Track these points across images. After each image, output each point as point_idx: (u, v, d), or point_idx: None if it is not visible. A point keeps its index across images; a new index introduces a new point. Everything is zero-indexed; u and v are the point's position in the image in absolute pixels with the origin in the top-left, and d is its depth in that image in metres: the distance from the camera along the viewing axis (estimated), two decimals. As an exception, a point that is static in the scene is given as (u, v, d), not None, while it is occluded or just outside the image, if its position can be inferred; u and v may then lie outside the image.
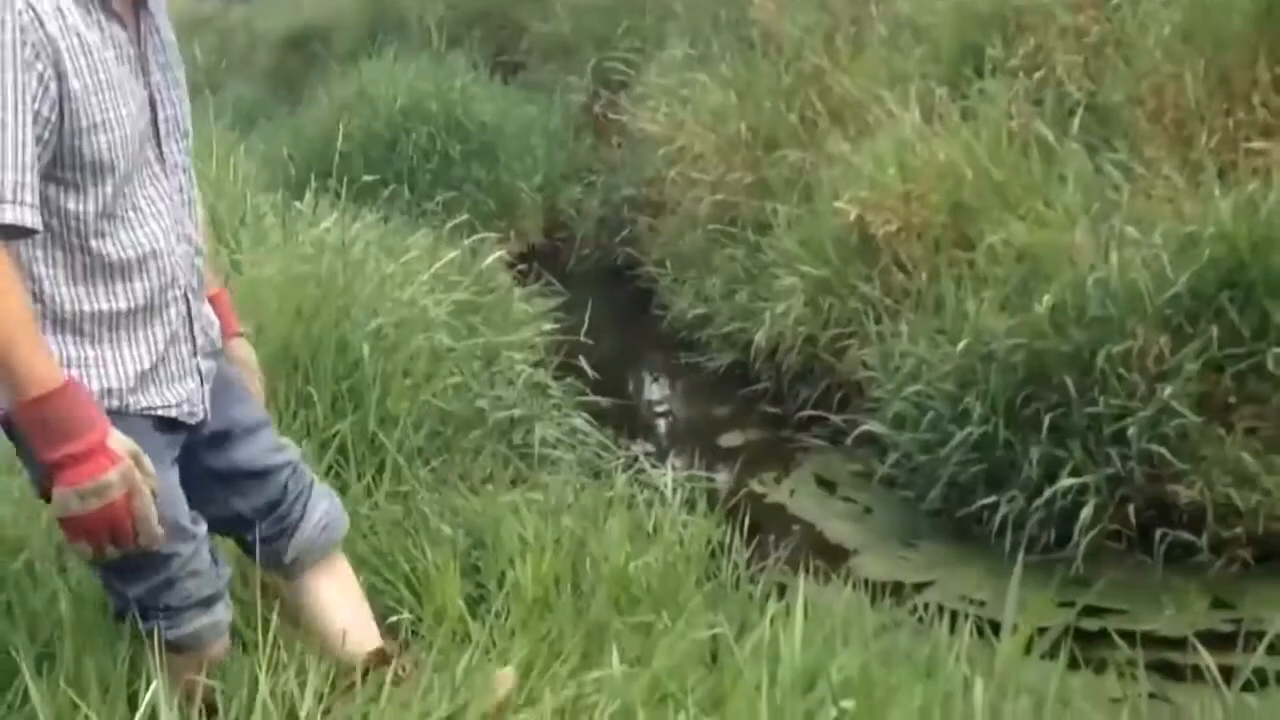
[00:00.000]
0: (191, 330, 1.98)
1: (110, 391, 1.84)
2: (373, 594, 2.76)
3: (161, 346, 1.91)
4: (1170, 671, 3.25)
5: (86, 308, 1.83)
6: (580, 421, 4.29)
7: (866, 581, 3.98)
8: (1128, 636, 3.34)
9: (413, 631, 2.67)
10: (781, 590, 3.12)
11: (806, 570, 3.76)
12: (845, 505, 4.66)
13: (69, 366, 1.79)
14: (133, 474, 1.70)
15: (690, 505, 3.57)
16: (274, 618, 2.01)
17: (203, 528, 2.00)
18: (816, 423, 5.07)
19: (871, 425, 4.66)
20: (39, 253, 1.79)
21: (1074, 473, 3.94)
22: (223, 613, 2.02)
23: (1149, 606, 3.67)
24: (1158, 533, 3.85)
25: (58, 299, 1.81)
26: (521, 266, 5.98)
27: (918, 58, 6.12)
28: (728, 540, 3.34)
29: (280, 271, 3.73)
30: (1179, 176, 4.60)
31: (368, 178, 5.56)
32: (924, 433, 4.38)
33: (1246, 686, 2.45)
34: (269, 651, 1.89)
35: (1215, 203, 4.13)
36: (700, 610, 2.82)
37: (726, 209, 6.31)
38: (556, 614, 2.71)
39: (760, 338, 5.38)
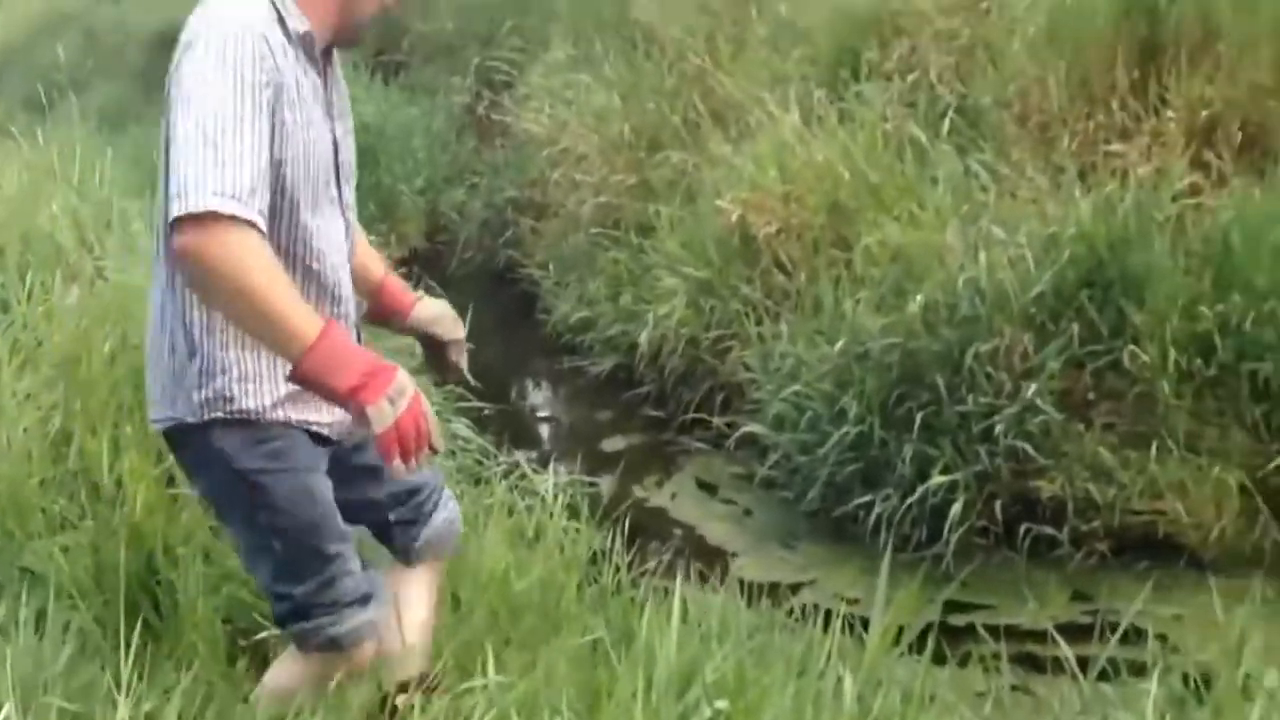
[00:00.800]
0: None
1: (277, 404, 1.99)
2: (241, 607, 2.71)
3: None
4: (1032, 663, 3.33)
5: None
6: (460, 427, 4.24)
7: (746, 583, 4.02)
8: (993, 630, 3.44)
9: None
10: (665, 594, 3.13)
11: (687, 573, 3.80)
12: (726, 508, 4.68)
13: (244, 380, 1.97)
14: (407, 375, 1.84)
15: (572, 511, 3.55)
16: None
17: (349, 530, 2.13)
18: (699, 425, 5.09)
19: (752, 427, 4.70)
20: None
21: (945, 470, 4.01)
22: (375, 612, 2.12)
23: (1013, 600, 3.74)
24: (1022, 528, 3.94)
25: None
26: (402, 270, 5.89)
27: (797, 59, 6.19)
28: (609, 545, 3.33)
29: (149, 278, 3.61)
30: (1043, 178, 4.72)
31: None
32: (802, 433, 4.43)
33: (1102, 676, 2.53)
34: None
35: (1076, 204, 4.25)
36: (581, 617, 2.81)
37: (610, 211, 6.30)
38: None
39: (643, 340, 5.38)
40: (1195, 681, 2.45)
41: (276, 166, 1.87)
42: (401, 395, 1.79)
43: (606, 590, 3.13)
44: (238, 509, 2.05)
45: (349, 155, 2.13)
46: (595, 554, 3.29)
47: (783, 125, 5.50)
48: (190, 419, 1.97)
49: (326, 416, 2.07)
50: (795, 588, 4.02)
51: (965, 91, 5.35)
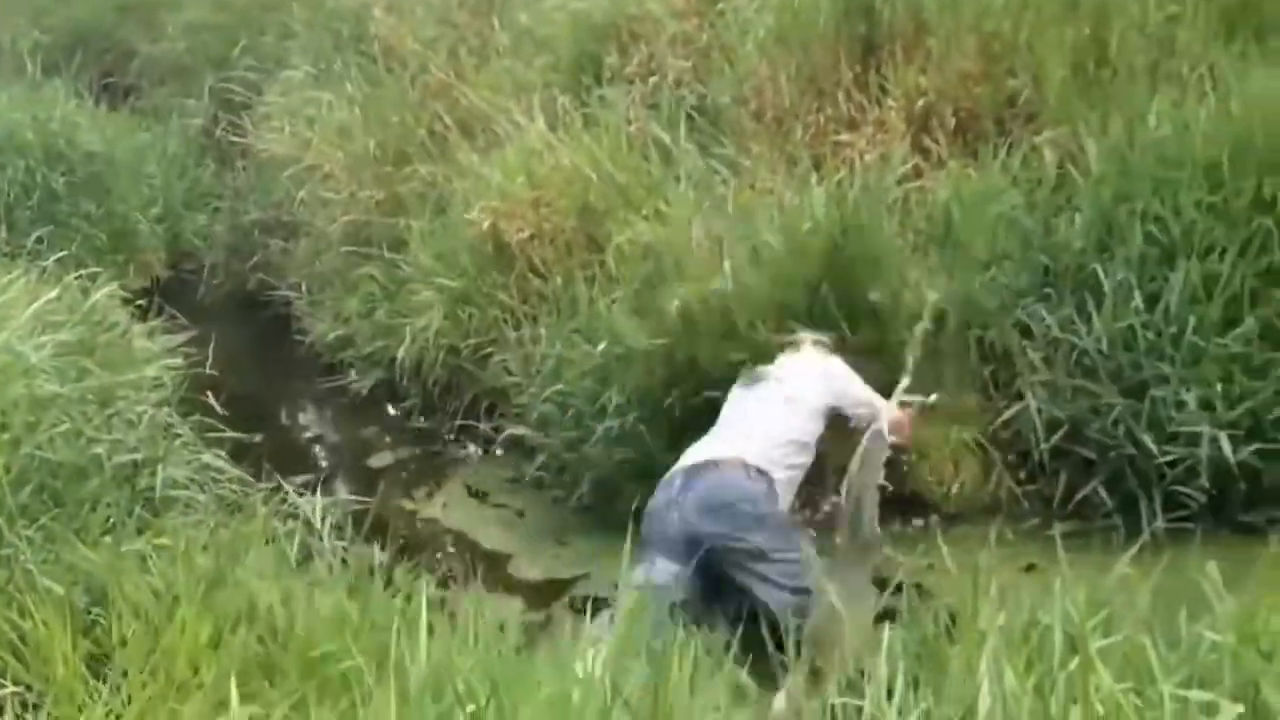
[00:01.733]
0: None
1: None
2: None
3: None
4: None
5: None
6: (212, 458, 4.07)
7: (519, 582, 4.04)
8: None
9: (23, 704, 2.46)
10: (440, 604, 3.10)
11: (463, 579, 3.78)
12: (497, 512, 4.69)
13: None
14: None
15: (340, 530, 3.47)
16: None
17: None
18: (466, 434, 5.08)
19: (518, 430, 4.71)
20: None
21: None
22: None
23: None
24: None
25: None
26: (143, 302, 5.62)
27: (540, 67, 6.23)
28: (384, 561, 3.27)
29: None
30: (780, 170, 4.91)
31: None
32: (567, 432, 4.46)
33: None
34: None
35: (810, 191, 4.40)
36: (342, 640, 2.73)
37: (360, 228, 6.20)
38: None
39: (403, 354, 5.31)
40: (946, 624, 2.58)
41: None
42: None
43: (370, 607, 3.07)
44: None
45: None
46: (370, 569, 3.22)
47: (529, 133, 5.52)
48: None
49: None
50: (572, 581, 4.05)
51: (704, 91, 5.49)
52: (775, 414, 3.71)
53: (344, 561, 3.35)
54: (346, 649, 2.60)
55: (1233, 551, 3.22)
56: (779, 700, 3.11)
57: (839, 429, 3.82)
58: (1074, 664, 2.06)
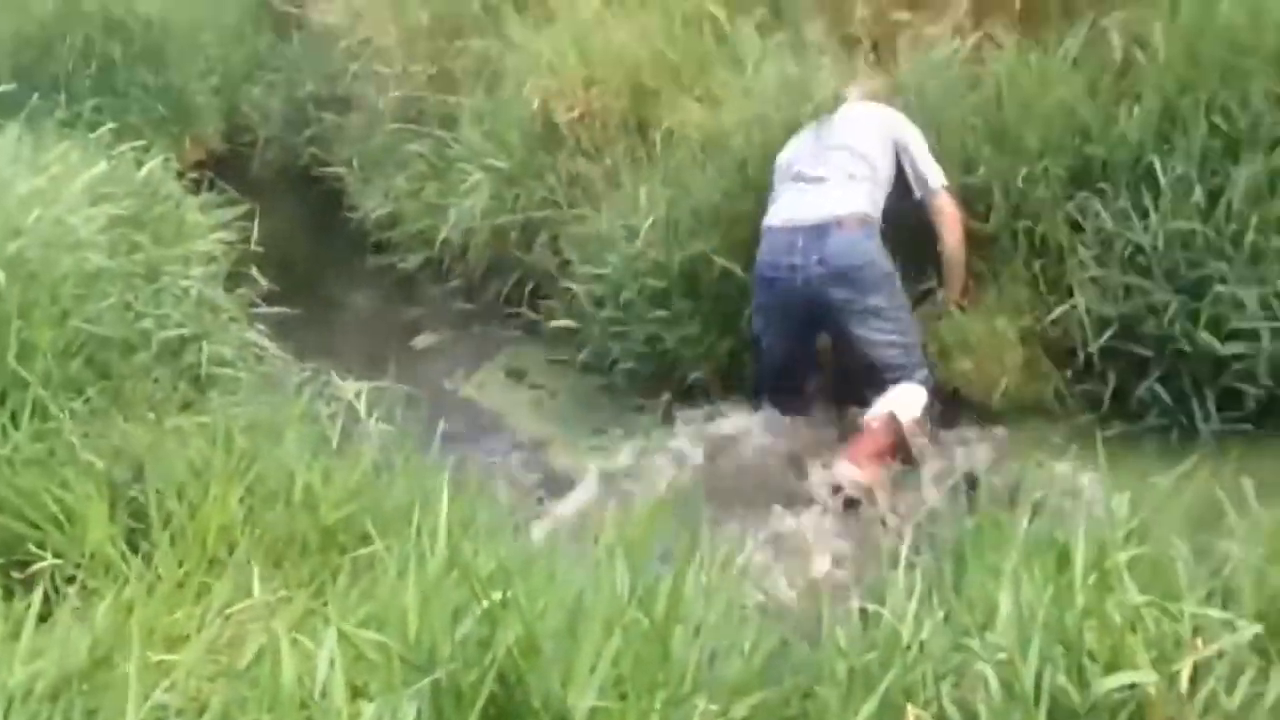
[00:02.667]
0: None
1: None
2: (14, 539, 2.61)
3: None
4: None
5: None
6: (256, 335, 4.11)
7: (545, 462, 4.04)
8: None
9: (62, 576, 2.52)
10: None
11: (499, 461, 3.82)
12: (533, 393, 4.71)
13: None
14: None
15: (383, 413, 3.50)
16: None
17: None
18: (510, 315, 5.07)
19: (558, 313, 4.70)
20: None
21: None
22: None
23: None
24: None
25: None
26: (197, 175, 5.63)
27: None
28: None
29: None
30: (840, 52, 4.76)
31: (4, 88, 5.04)
32: (613, 312, 4.44)
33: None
34: None
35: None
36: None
37: (411, 103, 6.14)
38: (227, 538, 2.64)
39: (448, 233, 5.29)
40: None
41: None
42: None
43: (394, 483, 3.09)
44: None
45: None
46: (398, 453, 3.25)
47: (582, 7, 5.40)
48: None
49: None
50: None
51: (765, -32, 5.30)
52: (867, 151, 3.93)
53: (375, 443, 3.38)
54: (363, 519, 2.67)
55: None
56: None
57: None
58: (1095, 576, 2.03)
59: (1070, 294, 3.78)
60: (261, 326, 4.19)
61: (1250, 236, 3.55)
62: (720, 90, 4.77)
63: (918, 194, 3.95)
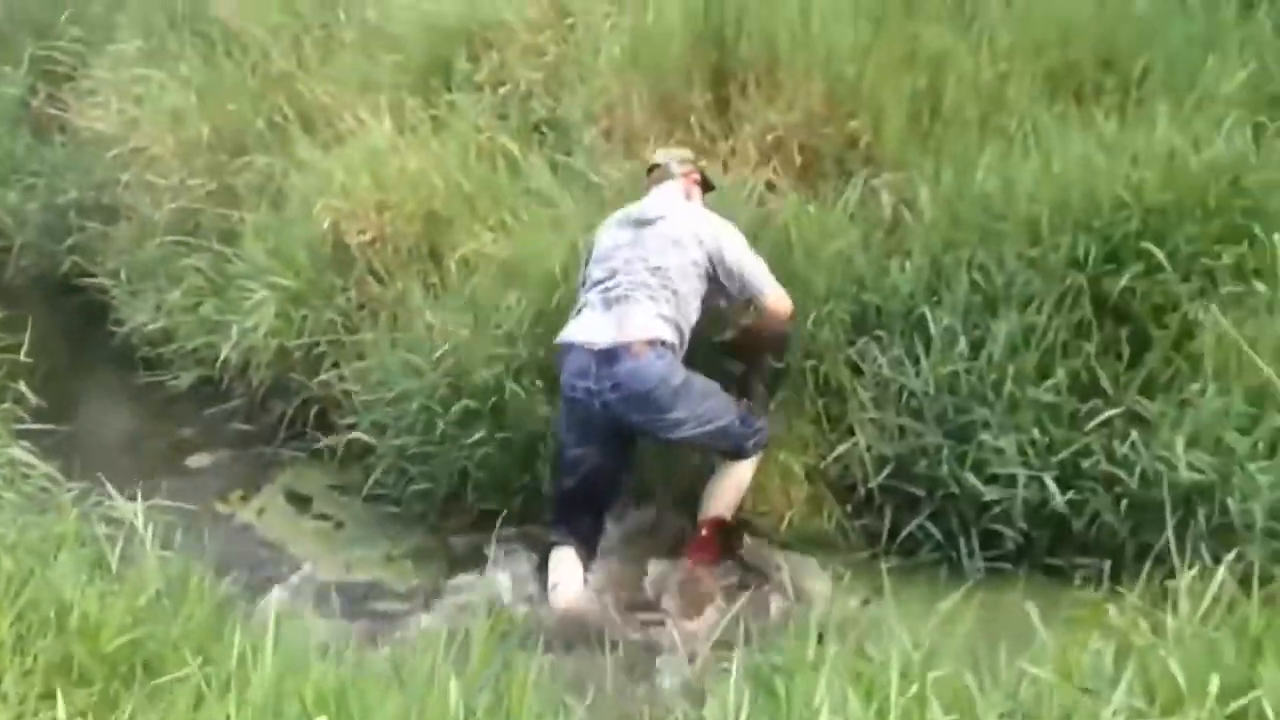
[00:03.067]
0: None
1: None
2: None
3: None
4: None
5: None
6: (20, 452, 3.85)
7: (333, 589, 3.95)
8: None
9: None
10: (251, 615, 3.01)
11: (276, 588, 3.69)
12: (316, 521, 4.61)
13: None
14: None
15: (156, 536, 3.32)
16: None
17: None
18: (293, 438, 4.94)
19: (346, 436, 4.62)
20: None
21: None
22: None
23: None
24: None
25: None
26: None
27: (388, 66, 6.13)
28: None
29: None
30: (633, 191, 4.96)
31: None
32: (397, 440, 4.41)
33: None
34: None
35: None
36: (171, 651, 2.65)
37: (188, 216, 5.97)
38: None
39: (229, 352, 5.13)
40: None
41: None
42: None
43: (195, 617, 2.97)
44: None
45: None
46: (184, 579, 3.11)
47: (375, 132, 5.43)
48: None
49: None
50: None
51: (555, 105, 5.50)
52: (673, 271, 4.00)
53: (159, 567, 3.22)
54: (148, 646, 2.54)
55: (1042, 591, 3.45)
56: None
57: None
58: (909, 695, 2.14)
59: (852, 433, 4.01)
60: (25, 443, 3.92)
61: (1009, 387, 3.87)
62: (515, 221, 4.89)
63: (743, 298, 4.09)
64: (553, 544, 3.97)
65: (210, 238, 5.73)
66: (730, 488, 4.01)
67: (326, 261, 5.12)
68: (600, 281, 4.05)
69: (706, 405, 3.93)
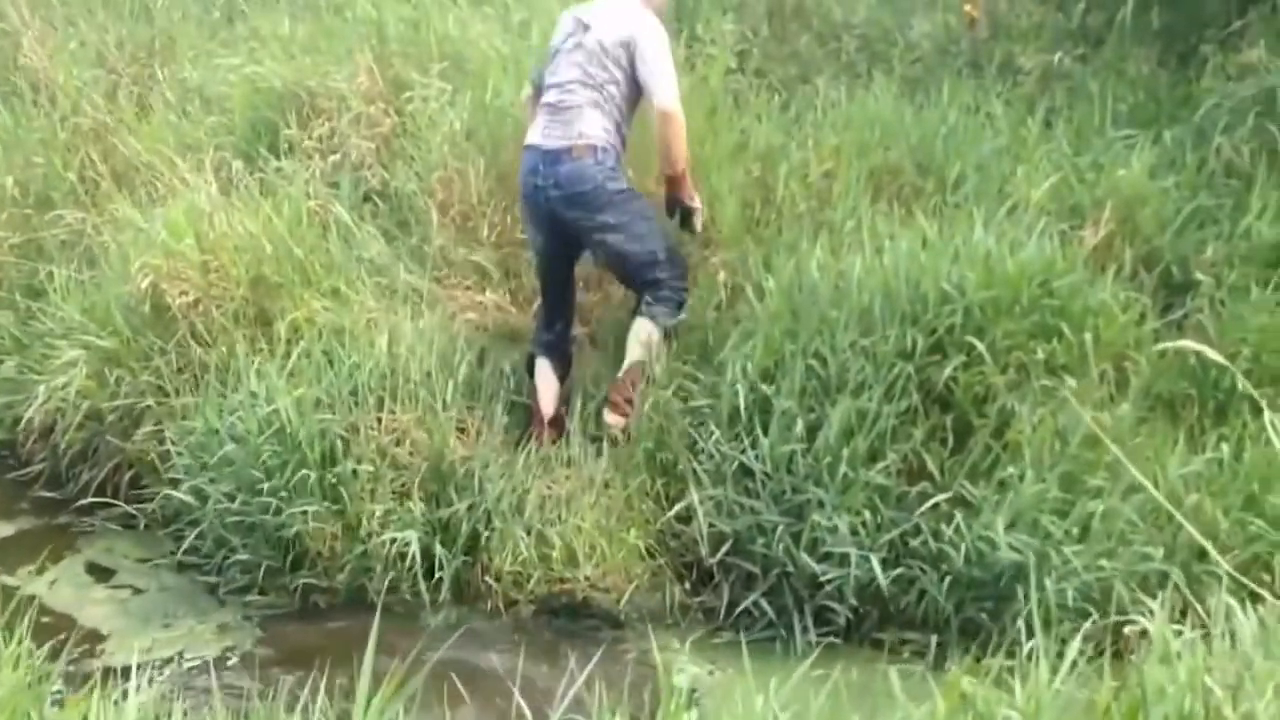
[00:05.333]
0: None
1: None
2: None
3: None
4: None
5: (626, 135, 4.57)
6: None
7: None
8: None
9: None
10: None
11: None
12: (112, 591, 4.41)
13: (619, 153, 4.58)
14: None
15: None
16: None
17: None
18: (103, 507, 4.67)
19: (165, 503, 4.42)
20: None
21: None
22: None
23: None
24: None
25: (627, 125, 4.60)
26: None
27: (211, 127, 5.99)
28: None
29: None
30: (467, 266, 4.98)
31: None
32: (215, 508, 4.26)
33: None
34: None
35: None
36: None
37: (-11, 270, 5.63)
38: None
39: (33, 414, 4.84)
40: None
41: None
42: (697, 203, 4.63)
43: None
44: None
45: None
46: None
47: (199, 192, 5.27)
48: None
49: None
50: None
51: (389, 176, 5.48)
52: (609, 75, 4.48)
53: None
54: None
55: (870, 665, 3.58)
56: None
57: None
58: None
59: (691, 511, 4.08)
60: None
61: (842, 468, 4.02)
62: (348, 289, 4.82)
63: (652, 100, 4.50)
64: (532, 355, 4.64)
65: (14, 293, 5.41)
66: (639, 348, 4.38)
67: (145, 322, 4.90)
68: (550, 90, 4.54)
69: (639, 224, 4.43)
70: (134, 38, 7.18)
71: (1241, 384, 3.72)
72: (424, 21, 6.12)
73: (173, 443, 4.52)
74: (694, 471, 4.15)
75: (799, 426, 4.10)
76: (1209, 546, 2.98)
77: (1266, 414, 3.46)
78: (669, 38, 4.57)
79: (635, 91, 4.52)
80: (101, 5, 7.28)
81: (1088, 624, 3.49)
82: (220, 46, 6.85)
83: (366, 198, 5.52)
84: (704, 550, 4.05)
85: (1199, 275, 4.51)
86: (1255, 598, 2.45)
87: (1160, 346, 3.67)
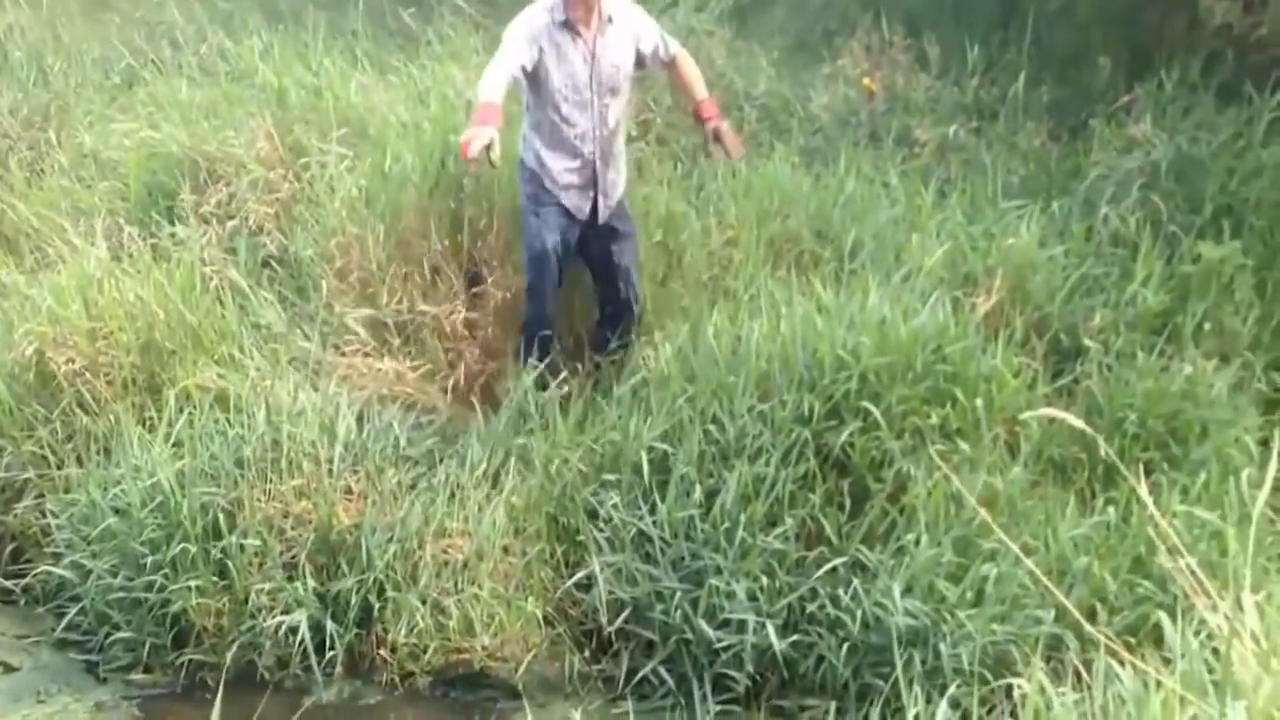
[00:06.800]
0: (594, 179, 4.75)
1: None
2: None
3: (574, 175, 4.73)
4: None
5: (543, 134, 4.71)
6: None
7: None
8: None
9: None
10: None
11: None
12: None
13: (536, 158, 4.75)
14: (493, 136, 4.28)
15: None
16: None
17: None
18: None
19: (43, 579, 4.28)
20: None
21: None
22: None
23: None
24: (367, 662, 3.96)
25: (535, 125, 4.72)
26: None
27: (104, 192, 5.89)
28: None
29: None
30: (365, 333, 4.91)
31: None
32: (99, 584, 4.11)
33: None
34: None
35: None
36: None
37: None
38: None
39: (-94, 489, 4.64)
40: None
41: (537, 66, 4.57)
42: (480, 133, 4.28)
43: None
44: None
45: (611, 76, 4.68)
46: None
47: (88, 258, 5.16)
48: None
49: (568, 199, 4.78)
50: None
51: (287, 242, 5.41)
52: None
53: None
54: None
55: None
56: None
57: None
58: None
59: (589, 577, 4.03)
60: None
61: (740, 534, 4.01)
62: (242, 356, 4.73)
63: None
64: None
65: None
66: None
67: (29, 390, 4.75)
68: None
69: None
70: (29, 102, 7.08)
71: (1105, 452, 3.78)
72: (326, 88, 6.10)
73: (54, 515, 4.36)
74: (593, 538, 4.11)
75: (697, 492, 4.09)
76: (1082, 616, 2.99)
77: (1140, 484, 3.52)
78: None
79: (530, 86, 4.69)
80: (-4, 71, 7.17)
81: (985, 689, 3.50)
82: (118, 112, 6.77)
83: (264, 263, 5.45)
84: (603, 618, 4.00)
85: (1087, 341, 4.60)
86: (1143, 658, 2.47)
87: (1028, 415, 3.73)
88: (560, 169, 4.69)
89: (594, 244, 4.82)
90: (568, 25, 4.59)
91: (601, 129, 4.69)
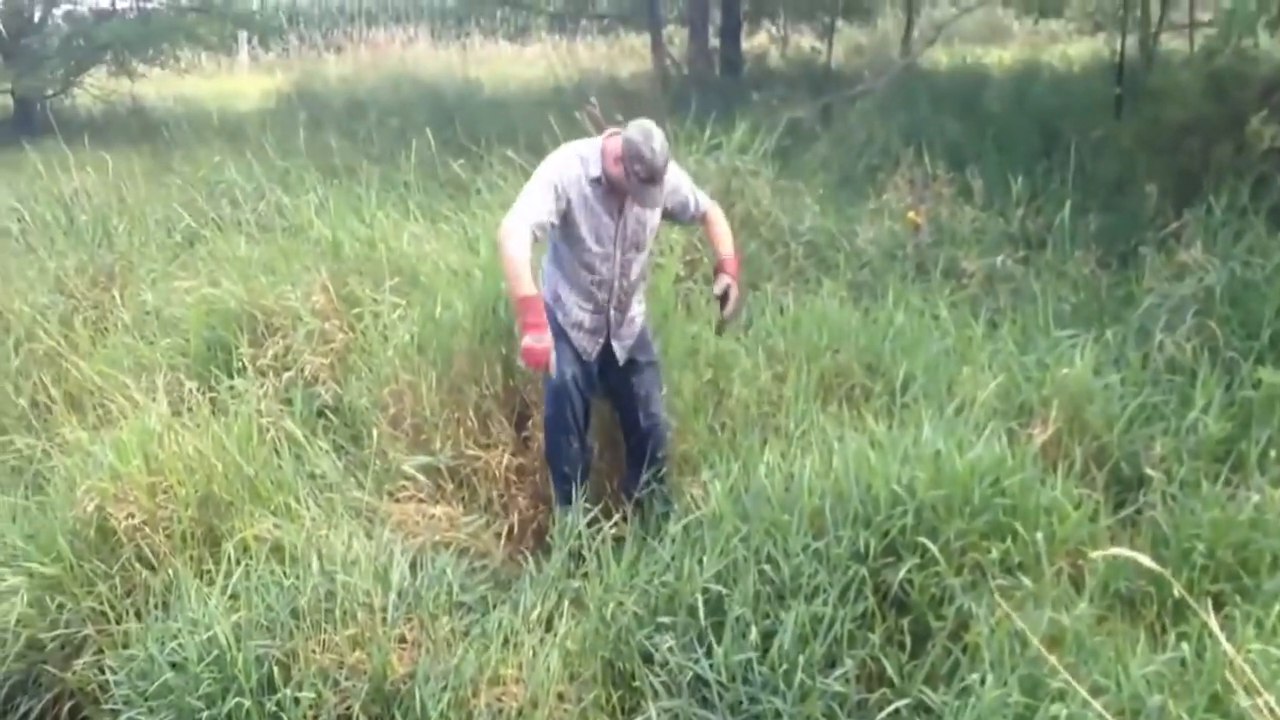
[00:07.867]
0: (608, 320, 4.83)
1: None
2: None
3: (586, 316, 4.82)
4: None
5: (563, 270, 4.81)
6: None
7: None
8: None
9: None
10: None
11: None
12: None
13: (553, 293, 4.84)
14: (551, 342, 4.50)
15: None
16: None
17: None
18: (38, 739, 4.48)
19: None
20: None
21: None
22: None
23: None
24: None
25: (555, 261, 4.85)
26: None
27: (165, 348, 6.04)
28: None
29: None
30: (422, 478, 4.94)
31: None
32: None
33: None
34: None
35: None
36: None
37: (-72, 500, 5.52)
38: None
39: (-31, 646, 4.66)
40: None
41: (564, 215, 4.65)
42: (540, 342, 4.46)
43: None
44: None
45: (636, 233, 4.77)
46: None
47: (149, 413, 5.26)
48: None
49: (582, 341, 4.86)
50: None
51: (341, 392, 5.50)
52: None
53: None
54: None
55: None
56: None
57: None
58: None
59: (646, 723, 3.94)
60: None
61: (799, 676, 3.92)
62: (298, 506, 4.76)
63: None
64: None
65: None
66: None
67: (90, 546, 4.79)
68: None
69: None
70: (94, 263, 7.33)
71: (1178, 592, 3.66)
72: (379, 239, 6.27)
73: (112, 671, 4.35)
74: (648, 681, 4.03)
75: (754, 634, 4.01)
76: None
77: (1212, 618, 3.41)
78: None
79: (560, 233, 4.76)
80: (63, 233, 7.45)
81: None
82: (179, 269, 7.00)
83: (319, 413, 5.53)
84: (662, 766, 3.89)
85: (1149, 471, 4.52)
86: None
87: (1097, 554, 3.63)
88: (574, 305, 4.78)
89: (613, 375, 4.86)
90: (600, 182, 4.60)
91: (623, 280, 4.76)
